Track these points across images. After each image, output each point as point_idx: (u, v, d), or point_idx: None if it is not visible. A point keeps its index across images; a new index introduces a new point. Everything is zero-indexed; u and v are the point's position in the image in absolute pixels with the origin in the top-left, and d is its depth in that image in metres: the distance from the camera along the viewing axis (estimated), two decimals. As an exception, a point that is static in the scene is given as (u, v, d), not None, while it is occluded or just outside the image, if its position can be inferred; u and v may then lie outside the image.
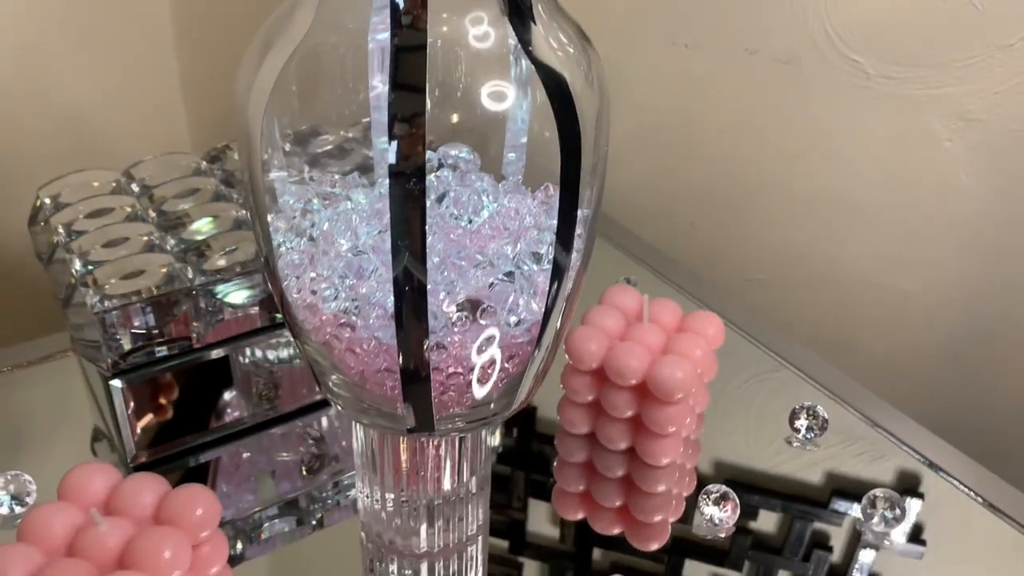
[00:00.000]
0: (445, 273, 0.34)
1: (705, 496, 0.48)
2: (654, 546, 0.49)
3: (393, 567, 0.45)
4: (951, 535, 0.49)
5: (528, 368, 0.37)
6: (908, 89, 0.66)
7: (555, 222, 0.35)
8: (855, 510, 0.49)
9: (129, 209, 0.51)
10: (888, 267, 0.72)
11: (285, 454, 0.51)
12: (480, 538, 0.47)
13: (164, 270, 0.46)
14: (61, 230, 0.49)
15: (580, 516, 0.52)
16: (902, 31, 0.64)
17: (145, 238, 0.48)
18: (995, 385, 0.71)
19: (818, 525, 0.49)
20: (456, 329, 0.33)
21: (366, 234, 0.36)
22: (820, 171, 0.71)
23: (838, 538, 0.48)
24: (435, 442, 0.41)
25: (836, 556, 0.48)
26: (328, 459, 0.51)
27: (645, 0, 0.70)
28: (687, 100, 0.73)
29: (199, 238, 0.48)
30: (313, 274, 0.34)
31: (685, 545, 0.48)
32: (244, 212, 0.51)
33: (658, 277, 0.68)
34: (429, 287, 0.31)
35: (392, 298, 0.32)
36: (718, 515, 0.48)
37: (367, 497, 0.45)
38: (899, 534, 0.48)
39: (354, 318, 0.34)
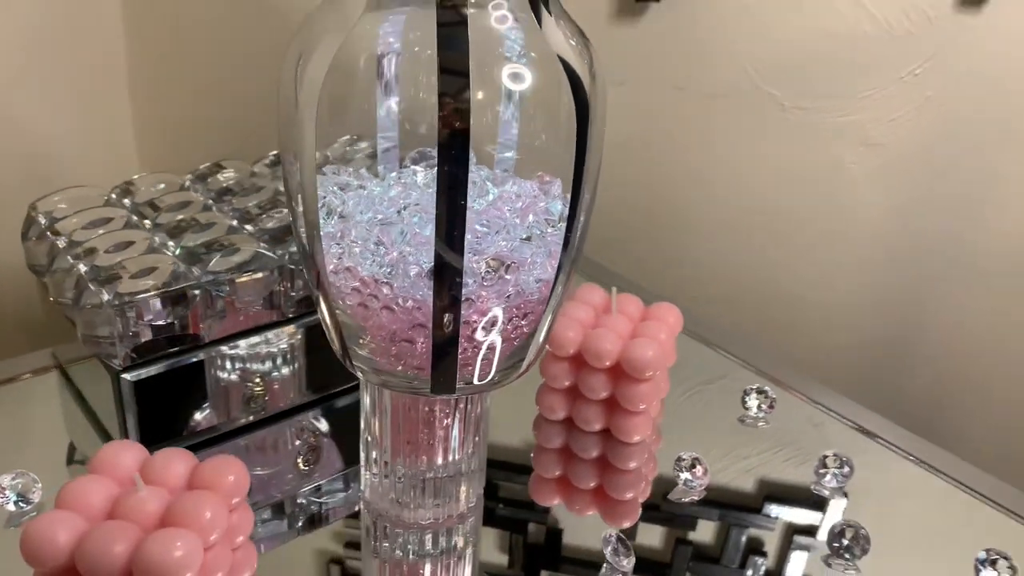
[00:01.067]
0: (469, 237, 0.38)
1: (679, 463, 0.53)
2: (626, 523, 0.53)
3: (397, 540, 0.48)
4: (886, 489, 0.55)
5: (539, 327, 0.41)
6: (818, 118, 0.75)
7: (556, 200, 0.40)
8: (786, 513, 0.53)
9: (125, 219, 0.53)
10: (806, 278, 0.80)
11: (286, 449, 0.53)
12: (477, 512, 0.50)
13: (171, 268, 0.49)
14: (62, 239, 0.51)
15: (556, 502, 0.56)
16: (811, 68, 0.73)
17: (147, 241, 0.51)
18: (905, 369, 0.79)
19: (753, 531, 0.52)
20: (486, 283, 0.38)
21: (386, 212, 0.40)
22: (744, 194, 0.79)
23: (771, 543, 0.51)
24: (444, 410, 0.45)
25: (770, 561, 0.50)
26: (327, 453, 0.54)
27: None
28: (625, 133, 0.81)
29: (199, 241, 0.51)
30: (350, 240, 0.38)
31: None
32: (235, 221, 0.55)
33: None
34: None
35: (426, 259, 0.37)
36: (692, 479, 0.53)
37: (374, 475, 0.48)
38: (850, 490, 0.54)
39: (388, 283, 0.38)
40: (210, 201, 0.57)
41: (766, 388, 0.59)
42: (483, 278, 0.38)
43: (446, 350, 0.39)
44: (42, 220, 0.54)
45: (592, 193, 0.41)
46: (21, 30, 0.72)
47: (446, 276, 0.36)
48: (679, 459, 0.53)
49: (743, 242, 0.81)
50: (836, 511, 0.53)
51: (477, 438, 0.48)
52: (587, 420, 0.56)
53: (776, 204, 0.79)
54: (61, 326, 0.56)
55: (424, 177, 0.42)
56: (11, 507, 0.47)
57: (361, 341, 0.41)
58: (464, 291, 0.37)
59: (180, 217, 0.54)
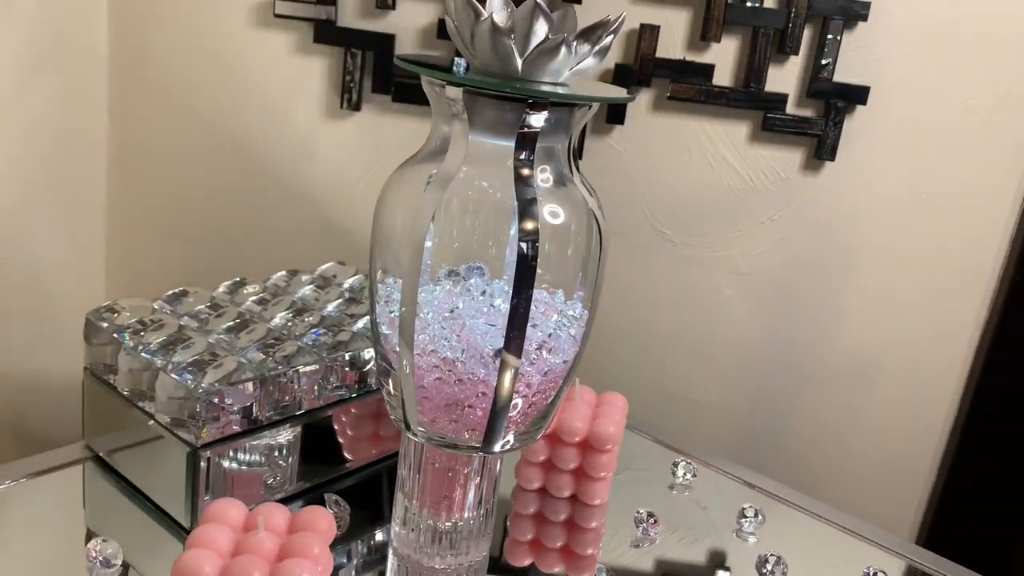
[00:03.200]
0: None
1: (638, 515, 0.67)
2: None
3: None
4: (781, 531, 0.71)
5: (558, 395, 0.55)
6: (700, 252, 0.94)
7: (575, 303, 0.55)
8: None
9: (177, 324, 0.63)
10: (689, 383, 0.98)
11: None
12: (484, 563, 0.62)
13: (236, 361, 0.59)
14: (131, 341, 0.61)
15: (528, 562, 0.68)
16: (694, 213, 0.93)
17: (205, 342, 0.61)
18: (775, 451, 0.97)
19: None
20: (534, 360, 0.52)
21: (438, 312, 0.54)
22: (644, 312, 0.96)
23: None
24: (477, 471, 0.57)
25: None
26: (355, 514, 0.64)
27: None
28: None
29: (254, 340, 0.62)
30: (433, 332, 0.51)
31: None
32: (275, 322, 0.66)
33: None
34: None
35: (489, 345, 0.50)
36: (649, 529, 0.67)
37: (405, 528, 0.59)
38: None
39: (461, 360, 0.51)
40: (246, 307, 0.68)
41: (691, 461, 0.75)
42: (532, 358, 0.52)
43: (501, 413, 0.52)
44: (104, 325, 0.63)
45: (597, 298, 0.57)
46: (30, 152, 0.81)
47: (506, 362, 0.50)
48: (637, 512, 0.67)
49: (640, 351, 0.98)
50: (756, 548, 0.68)
51: (494, 498, 0.60)
52: (559, 487, 0.70)
53: (667, 320, 0.97)
54: (100, 422, 0.64)
55: (450, 287, 0.56)
56: (98, 568, 0.55)
57: (425, 409, 0.53)
58: (521, 369, 0.51)
59: (229, 323, 0.64)
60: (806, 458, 0.98)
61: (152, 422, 0.59)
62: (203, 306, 0.67)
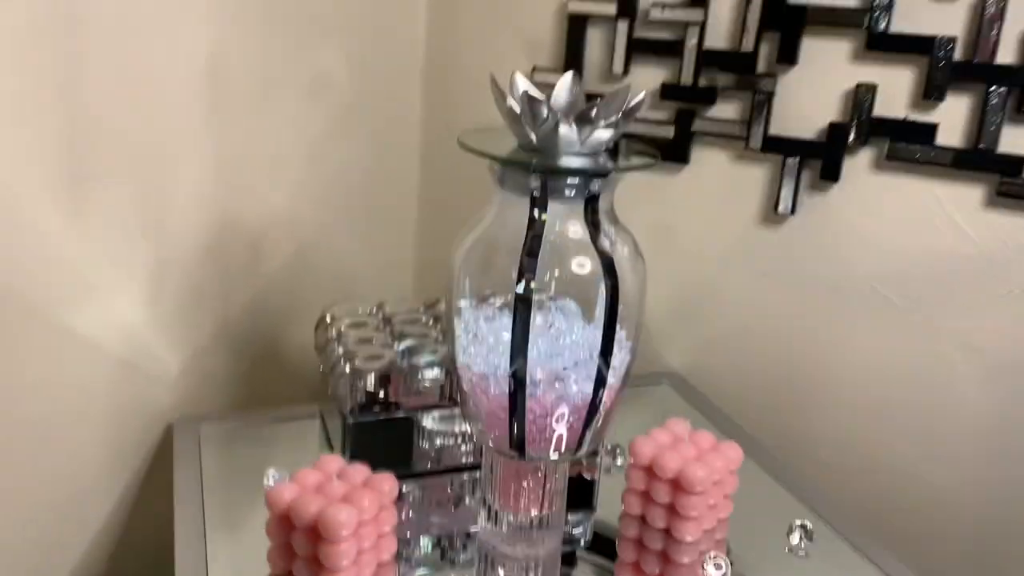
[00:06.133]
0: (535, 355, 0.61)
1: (707, 558, 0.70)
2: (679, 606, 0.71)
3: (500, 568, 0.70)
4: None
5: (587, 426, 0.63)
6: (927, 320, 0.88)
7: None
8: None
9: (374, 325, 0.83)
10: (916, 459, 0.91)
11: (441, 494, 0.78)
12: (556, 555, 0.71)
13: (391, 359, 0.77)
14: (334, 332, 0.82)
15: (631, 581, 0.74)
16: (920, 278, 0.88)
17: (383, 340, 0.80)
18: (998, 554, 0.86)
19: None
20: (540, 389, 0.61)
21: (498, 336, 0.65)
22: (862, 377, 0.93)
23: None
24: (534, 477, 0.67)
25: None
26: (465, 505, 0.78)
27: (739, 242, 0.98)
28: (764, 313, 0.99)
29: (411, 345, 0.79)
30: (471, 350, 0.63)
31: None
32: (438, 336, 0.82)
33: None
34: (529, 363, 0.60)
35: (502, 368, 0.61)
36: (716, 573, 0.69)
37: (487, 520, 0.71)
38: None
39: (488, 378, 0.62)
40: (429, 322, 0.85)
41: (806, 523, 0.74)
42: (538, 384, 0.61)
43: (517, 426, 0.62)
44: (328, 319, 0.85)
45: (635, 344, 0.63)
46: (339, 184, 1.08)
47: (516, 379, 0.60)
48: (704, 551, 0.70)
49: (863, 418, 0.94)
50: None
51: (555, 506, 0.69)
52: (654, 518, 0.75)
53: (892, 388, 0.91)
54: (325, 388, 0.86)
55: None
56: (272, 480, 0.77)
57: (471, 416, 0.65)
58: (529, 390, 0.61)
59: (409, 329, 0.82)
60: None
61: (330, 392, 0.80)
62: (399, 313, 0.86)
